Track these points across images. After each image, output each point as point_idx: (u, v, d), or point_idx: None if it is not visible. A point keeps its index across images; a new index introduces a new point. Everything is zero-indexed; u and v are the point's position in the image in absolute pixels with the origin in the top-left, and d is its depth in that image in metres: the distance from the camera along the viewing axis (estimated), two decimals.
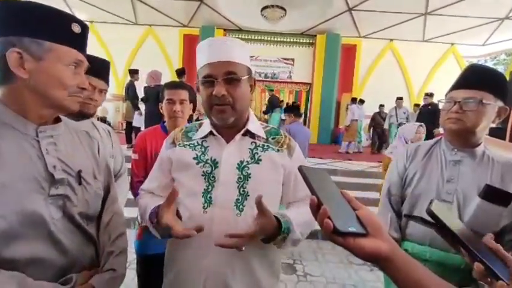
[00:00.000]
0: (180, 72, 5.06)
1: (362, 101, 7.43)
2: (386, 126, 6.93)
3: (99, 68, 1.21)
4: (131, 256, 1.81)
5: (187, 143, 0.91)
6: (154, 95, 4.76)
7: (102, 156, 0.88)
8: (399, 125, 6.57)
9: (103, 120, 8.64)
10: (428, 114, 6.02)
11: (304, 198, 0.92)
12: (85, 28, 0.73)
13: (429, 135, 5.76)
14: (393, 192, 1.15)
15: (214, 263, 0.82)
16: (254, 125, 0.90)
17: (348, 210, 0.45)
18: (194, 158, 0.87)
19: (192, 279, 0.84)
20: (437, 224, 0.55)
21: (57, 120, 0.77)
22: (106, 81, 1.27)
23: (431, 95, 6.18)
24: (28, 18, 0.64)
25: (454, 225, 0.54)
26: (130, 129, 5.45)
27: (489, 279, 0.48)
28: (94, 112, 1.25)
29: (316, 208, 0.45)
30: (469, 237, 0.53)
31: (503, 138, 4.47)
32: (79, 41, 0.71)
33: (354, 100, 7.52)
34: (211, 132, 0.88)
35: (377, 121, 7.11)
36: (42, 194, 0.66)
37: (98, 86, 1.21)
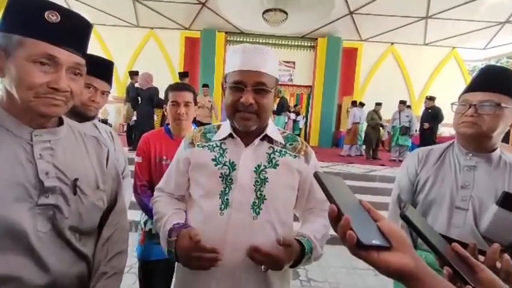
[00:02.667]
0: (183, 75, 5.08)
1: (362, 104, 7.43)
2: (389, 129, 6.90)
3: (102, 69, 1.16)
4: (133, 260, 1.77)
5: (206, 144, 0.91)
6: (145, 96, 4.83)
7: (111, 165, 0.82)
8: (401, 128, 6.59)
9: (104, 122, 8.62)
10: (428, 118, 6.04)
11: (316, 206, 0.94)
12: (69, 17, 0.62)
13: (430, 139, 5.77)
14: (403, 199, 1.11)
15: (228, 265, 0.81)
16: (273, 131, 0.92)
17: (368, 221, 0.42)
18: (212, 160, 0.88)
19: (205, 280, 0.83)
20: (410, 228, 0.56)
21: (61, 123, 0.71)
22: (109, 82, 1.22)
23: (431, 98, 6.18)
24: (4, 12, 0.60)
25: (426, 230, 0.57)
26: (131, 131, 5.43)
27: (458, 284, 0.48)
28: (95, 114, 1.21)
29: (335, 218, 0.42)
30: (440, 242, 0.56)
31: (507, 142, 4.45)
32: (54, 32, 0.59)
33: (354, 103, 7.52)
34: (230, 135, 0.89)
35: (374, 121, 6.89)
36: (29, 202, 0.60)
37: (101, 88, 1.16)
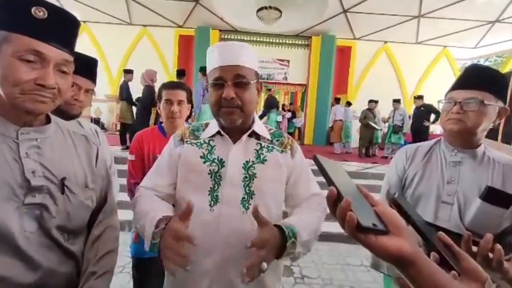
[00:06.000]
0: (181, 73, 5.04)
1: (349, 103, 7.53)
2: (382, 127, 7.00)
3: (85, 67, 1.14)
4: (126, 260, 1.77)
5: (194, 141, 0.92)
6: (142, 95, 4.85)
7: (101, 163, 0.81)
8: (394, 126, 6.67)
9: (97, 121, 8.52)
10: (421, 116, 6.11)
11: (305, 199, 0.94)
12: (57, 13, 0.61)
13: (424, 136, 5.85)
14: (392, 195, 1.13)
15: (219, 261, 0.82)
16: (259, 127, 0.93)
17: (366, 205, 0.43)
18: (201, 157, 0.88)
19: (197, 277, 0.83)
20: (401, 214, 0.58)
21: (49, 121, 0.71)
22: (93, 80, 1.20)
23: (419, 97, 6.26)
24: None
25: (415, 216, 0.59)
26: (125, 130, 5.40)
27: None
28: (79, 113, 1.19)
29: (334, 201, 0.42)
30: (428, 229, 0.57)
31: (496, 139, 4.55)
32: (41, 28, 0.59)
33: (337, 100, 7.57)
34: (218, 132, 0.90)
35: (365, 120, 6.88)
36: (15, 201, 0.59)
37: (84, 86, 1.14)
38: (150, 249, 0.75)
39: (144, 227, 0.79)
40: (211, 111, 0.89)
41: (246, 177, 0.86)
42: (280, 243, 0.75)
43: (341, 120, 7.24)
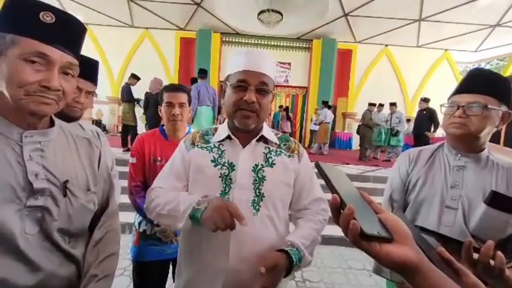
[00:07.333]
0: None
1: (329, 106, 7.63)
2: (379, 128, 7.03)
3: (86, 69, 1.11)
4: (126, 262, 1.76)
5: (205, 145, 0.95)
6: (154, 101, 4.84)
7: (103, 166, 0.82)
8: (392, 129, 6.68)
9: (98, 123, 8.55)
10: (423, 120, 6.07)
11: (308, 207, 0.96)
12: (64, 18, 0.63)
13: (425, 140, 5.82)
14: (395, 199, 1.12)
15: (232, 263, 0.84)
16: (268, 132, 0.96)
17: (370, 212, 0.42)
18: (212, 161, 0.91)
19: (210, 279, 0.85)
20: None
21: (53, 125, 0.71)
22: (94, 82, 1.19)
23: (426, 100, 6.21)
24: None
25: (413, 233, 0.57)
26: (127, 132, 5.41)
27: None
28: (80, 115, 1.19)
29: (337, 208, 0.41)
30: (425, 244, 0.56)
31: (498, 142, 4.53)
32: (47, 32, 0.60)
33: (325, 103, 7.59)
34: (228, 137, 0.93)
35: (372, 121, 6.80)
36: (17, 204, 0.60)
37: (85, 88, 1.14)
38: (192, 217, 0.80)
39: (179, 203, 0.83)
40: (227, 112, 0.91)
41: (255, 180, 0.88)
42: (287, 267, 0.79)
43: (328, 122, 7.29)
